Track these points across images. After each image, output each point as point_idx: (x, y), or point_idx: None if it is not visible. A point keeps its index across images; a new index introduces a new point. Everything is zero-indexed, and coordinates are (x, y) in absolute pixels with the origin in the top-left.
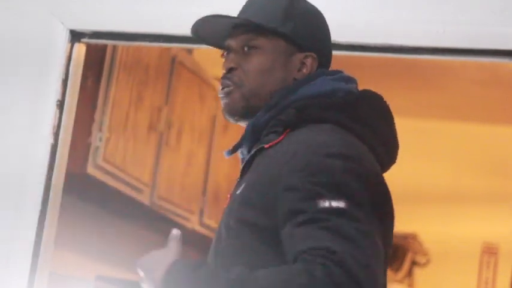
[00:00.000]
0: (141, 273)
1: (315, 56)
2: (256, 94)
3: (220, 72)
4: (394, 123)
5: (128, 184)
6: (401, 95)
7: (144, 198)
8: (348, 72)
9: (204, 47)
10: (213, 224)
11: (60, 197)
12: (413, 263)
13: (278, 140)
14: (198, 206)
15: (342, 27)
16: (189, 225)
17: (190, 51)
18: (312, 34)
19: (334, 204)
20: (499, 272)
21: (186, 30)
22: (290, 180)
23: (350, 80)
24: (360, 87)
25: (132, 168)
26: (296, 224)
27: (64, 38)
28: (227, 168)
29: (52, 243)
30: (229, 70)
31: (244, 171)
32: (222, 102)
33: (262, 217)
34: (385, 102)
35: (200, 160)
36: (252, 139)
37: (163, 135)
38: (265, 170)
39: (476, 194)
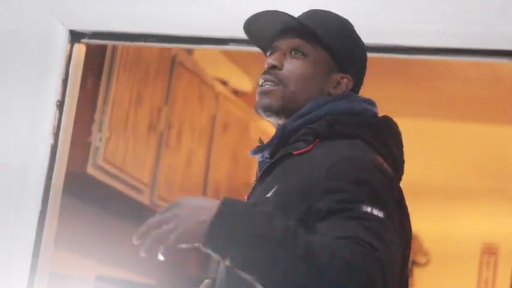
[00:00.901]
0: (181, 209)
1: (351, 78)
2: (296, 97)
3: (220, 73)
4: (403, 149)
5: (127, 184)
6: (401, 95)
7: (144, 199)
8: None
9: (203, 47)
10: None
11: (60, 197)
12: (413, 263)
13: (308, 148)
14: None
15: None
16: None
17: (190, 51)
18: (353, 58)
19: (375, 212)
20: (499, 272)
21: (186, 30)
22: (334, 184)
23: (374, 104)
24: (361, 88)
25: (132, 168)
26: (341, 217)
27: (64, 38)
28: (227, 168)
29: (52, 243)
30: (272, 67)
31: (265, 174)
32: (258, 98)
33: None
34: (398, 128)
35: (200, 160)
36: (279, 143)
37: (163, 135)
38: (304, 175)
39: (476, 194)
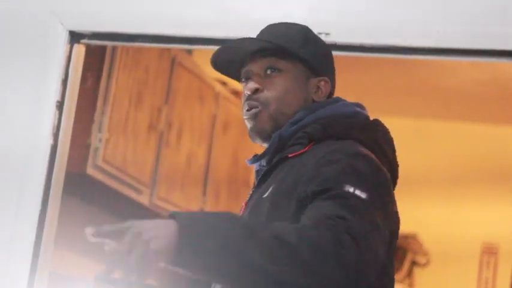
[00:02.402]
0: (137, 234)
1: (327, 80)
2: (283, 113)
3: (220, 73)
4: (396, 153)
5: (127, 185)
6: (400, 95)
7: (144, 199)
8: (348, 72)
9: (203, 47)
10: None
11: (60, 197)
12: (413, 263)
13: (303, 150)
14: (198, 206)
15: (341, 28)
16: None
17: (190, 51)
18: (325, 60)
19: (357, 192)
20: (499, 272)
21: (185, 30)
22: (319, 171)
23: (363, 107)
24: (361, 88)
25: (131, 168)
26: (322, 198)
27: (63, 38)
28: (227, 168)
29: (52, 243)
30: (255, 91)
31: (262, 180)
32: (249, 124)
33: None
34: (390, 135)
35: (200, 160)
36: (275, 150)
37: (163, 135)
38: (296, 172)
39: (476, 194)
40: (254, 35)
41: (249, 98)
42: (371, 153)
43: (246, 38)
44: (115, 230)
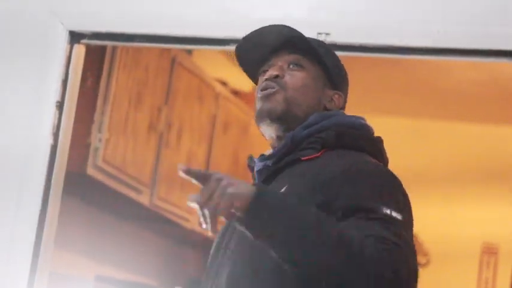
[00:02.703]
0: (222, 179)
1: (342, 95)
2: (297, 103)
3: (220, 73)
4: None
5: (127, 185)
6: (399, 95)
7: (144, 199)
8: (348, 72)
9: (203, 47)
10: None
11: (60, 197)
12: None
13: (316, 155)
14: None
15: (341, 28)
16: (188, 225)
17: (189, 51)
18: (342, 76)
19: (394, 214)
20: (499, 272)
21: (185, 30)
22: (352, 185)
23: (366, 121)
24: (361, 88)
25: (131, 169)
26: (362, 217)
27: (64, 38)
28: (227, 168)
29: (52, 243)
30: (275, 77)
31: (267, 180)
32: (259, 103)
33: None
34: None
35: (200, 160)
36: (287, 152)
37: (163, 135)
38: (316, 175)
39: (476, 194)
40: None
41: (267, 79)
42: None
43: (274, 27)
44: (203, 173)
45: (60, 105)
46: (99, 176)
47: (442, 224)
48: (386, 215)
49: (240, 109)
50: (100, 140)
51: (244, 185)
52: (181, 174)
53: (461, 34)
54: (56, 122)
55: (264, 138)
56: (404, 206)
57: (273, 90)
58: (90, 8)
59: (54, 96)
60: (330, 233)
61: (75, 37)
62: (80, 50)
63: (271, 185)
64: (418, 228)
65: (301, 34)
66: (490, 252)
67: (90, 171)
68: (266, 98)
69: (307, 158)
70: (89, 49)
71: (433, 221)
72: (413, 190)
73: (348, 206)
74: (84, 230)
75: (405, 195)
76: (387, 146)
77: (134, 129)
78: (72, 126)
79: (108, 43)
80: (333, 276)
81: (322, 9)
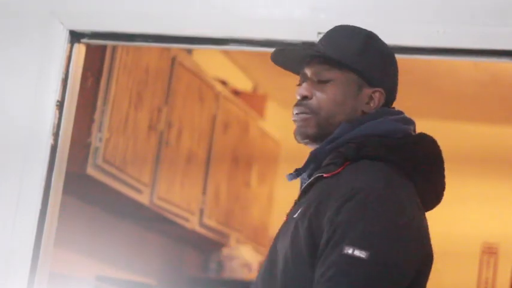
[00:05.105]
0: None
1: (382, 91)
2: (330, 123)
3: (220, 73)
4: (443, 168)
5: (127, 184)
6: (400, 95)
7: (144, 199)
8: None
9: (203, 47)
10: (213, 224)
11: (60, 197)
12: None
13: (337, 171)
14: (198, 206)
15: None
16: (188, 225)
17: (190, 51)
18: (382, 72)
19: (357, 253)
20: (499, 272)
21: (186, 30)
22: (332, 219)
23: (409, 121)
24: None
25: (131, 168)
26: (324, 260)
27: (64, 38)
28: (227, 168)
29: (52, 243)
30: (303, 98)
31: (302, 195)
32: (295, 125)
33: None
34: (438, 147)
35: (200, 160)
36: (313, 166)
37: (163, 135)
38: (320, 205)
39: (476, 193)
40: (254, 35)
41: (299, 103)
42: (402, 182)
43: (303, 44)
44: None
45: (60, 105)
46: (99, 176)
47: (442, 224)
48: (346, 255)
49: (240, 109)
50: (100, 140)
51: None
52: None
53: (461, 34)
54: (56, 121)
55: (264, 138)
56: (383, 237)
57: (305, 116)
58: (90, 8)
59: (54, 95)
60: None
61: (75, 37)
62: (80, 50)
63: (303, 199)
64: None
65: (334, 35)
66: (490, 252)
67: (90, 171)
68: (300, 122)
69: (328, 175)
70: (89, 49)
71: (433, 220)
72: None
73: (321, 246)
74: (84, 230)
75: (396, 219)
76: None
77: (134, 129)
78: (72, 126)
79: (108, 43)
80: None
81: (322, 9)
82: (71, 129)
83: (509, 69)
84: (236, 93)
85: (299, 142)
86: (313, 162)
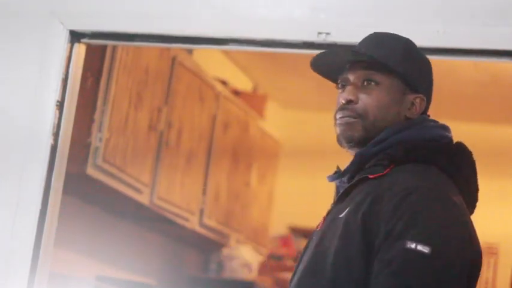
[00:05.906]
0: None
1: (423, 97)
2: (375, 127)
3: (220, 73)
4: (477, 179)
5: (127, 184)
6: None
7: (144, 199)
8: None
9: (203, 47)
10: (213, 224)
11: (60, 197)
12: None
13: (384, 173)
14: (198, 206)
15: (341, 28)
16: (188, 225)
17: (190, 51)
18: (423, 78)
19: (420, 247)
20: (499, 272)
21: (186, 30)
22: (389, 218)
23: (448, 129)
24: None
25: (131, 168)
26: (382, 257)
27: (64, 38)
28: (227, 168)
29: (52, 243)
30: (348, 102)
31: (341, 197)
32: (339, 129)
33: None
34: (472, 156)
35: (200, 160)
36: (356, 169)
37: (163, 135)
38: (371, 204)
39: None
40: (254, 35)
41: (343, 107)
42: (449, 190)
43: (347, 46)
44: None
45: (60, 105)
46: (99, 176)
47: None
48: (408, 250)
49: (240, 109)
50: (100, 140)
51: None
52: None
53: (461, 34)
54: (56, 121)
55: (264, 138)
56: (441, 233)
57: (352, 120)
58: (90, 8)
59: (54, 95)
60: None
61: (75, 37)
62: (80, 50)
63: (344, 201)
64: None
65: (375, 41)
66: (490, 252)
67: (90, 171)
68: (344, 125)
69: (374, 176)
70: (89, 49)
71: None
72: None
73: (378, 243)
74: (84, 230)
75: (450, 218)
76: None
77: (134, 129)
78: (72, 126)
79: (109, 42)
80: None
81: (322, 9)
82: (71, 129)
83: (509, 69)
84: (236, 93)
85: (342, 146)
86: (358, 163)
